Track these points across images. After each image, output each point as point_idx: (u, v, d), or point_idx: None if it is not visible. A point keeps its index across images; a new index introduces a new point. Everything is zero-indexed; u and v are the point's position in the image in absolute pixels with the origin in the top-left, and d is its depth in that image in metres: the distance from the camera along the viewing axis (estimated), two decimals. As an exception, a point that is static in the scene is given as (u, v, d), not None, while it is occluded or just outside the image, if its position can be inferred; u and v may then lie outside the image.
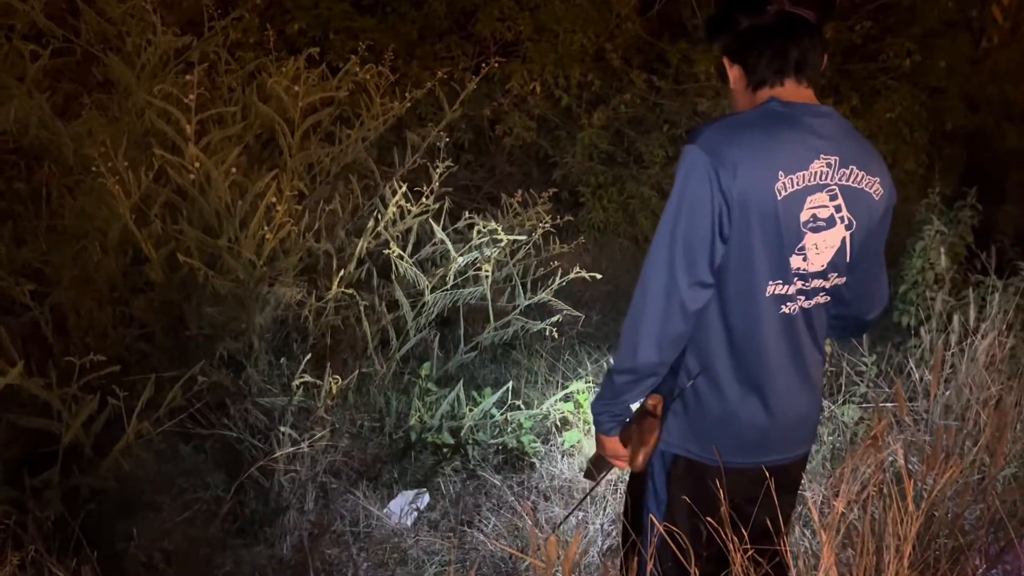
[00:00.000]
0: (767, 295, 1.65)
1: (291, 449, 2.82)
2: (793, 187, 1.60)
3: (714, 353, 1.69)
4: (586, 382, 3.54)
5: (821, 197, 1.63)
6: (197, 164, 2.92)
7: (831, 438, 2.90)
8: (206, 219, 3.12)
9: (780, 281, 1.65)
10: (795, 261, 1.65)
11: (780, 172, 1.59)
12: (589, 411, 1.77)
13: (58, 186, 3.39)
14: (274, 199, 2.85)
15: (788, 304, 1.67)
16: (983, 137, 4.36)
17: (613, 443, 1.75)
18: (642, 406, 1.70)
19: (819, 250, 1.66)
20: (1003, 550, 2.15)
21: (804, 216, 1.62)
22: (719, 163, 1.56)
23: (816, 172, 1.61)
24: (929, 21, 4.34)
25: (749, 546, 1.59)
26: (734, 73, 1.72)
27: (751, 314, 1.66)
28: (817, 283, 1.69)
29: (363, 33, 4.28)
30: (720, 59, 1.79)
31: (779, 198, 1.59)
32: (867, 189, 1.68)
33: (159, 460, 2.94)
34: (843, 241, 1.67)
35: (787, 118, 1.63)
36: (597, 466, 2.06)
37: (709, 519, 1.64)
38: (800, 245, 1.64)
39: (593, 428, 1.79)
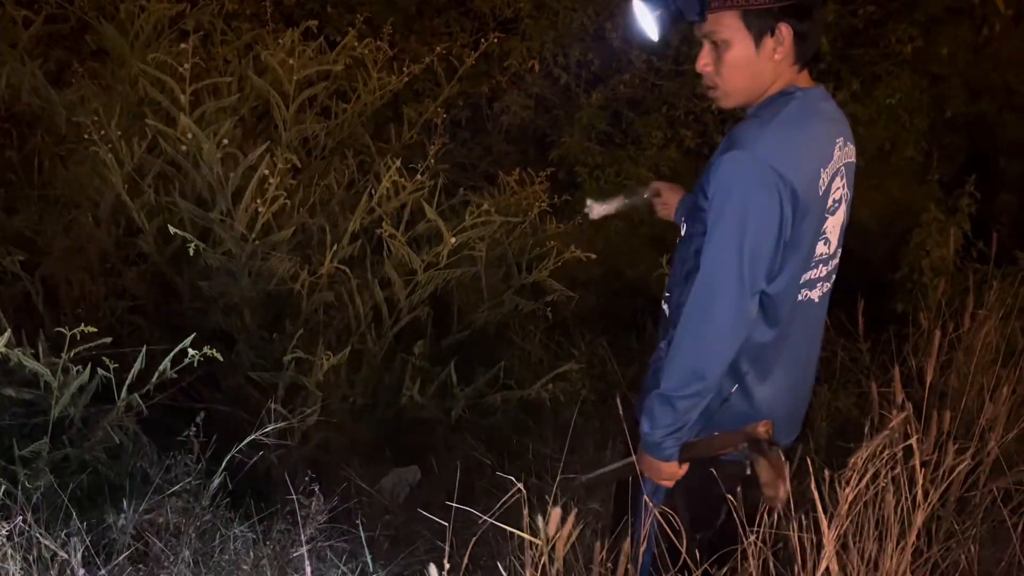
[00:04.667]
0: (798, 285, 1.64)
1: (283, 424, 2.80)
2: (827, 180, 1.58)
3: (745, 358, 1.65)
4: (578, 362, 3.53)
5: (838, 181, 1.62)
6: (190, 135, 2.88)
7: (825, 424, 2.91)
8: (199, 191, 3.09)
9: (805, 272, 1.64)
10: (820, 248, 1.64)
11: (821, 168, 1.56)
12: (648, 443, 1.68)
13: (50, 155, 3.35)
14: (267, 172, 2.81)
15: (806, 292, 1.68)
16: (983, 125, 4.35)
17: (672, 467, 1.67)
18: (747, 434, 1.61)
19: (834, 231, 1.66)
20: (994, 538, 2.16)
21: (829, 203, 1.61)
22: (782, 168, 1.48)
23: (836, 159, 1.60)
24: (932, 7, 4.31)
25: (750, 530, 1.59)
26: (788, 44, 1.54)
27: (786, 312, 1.63)
28: (832, 264, 1.70)
29: (361, 7, 4.23)
30: (754, 22, 1.54)
31: (820, 194, 1.57)
32: (854, 160, 1.69)
33: (149, 433, 2.92)
34: (844, 215, 1.68)
35: (812, 109, 1.59)
36: (601, 481, 2.03)
37: (708, 505, 1.64)
38: (822, 231, 1.63)
39: (641, 453, 1.70)
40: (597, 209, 2.07)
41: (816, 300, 1.69)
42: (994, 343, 2.75)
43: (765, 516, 1.67)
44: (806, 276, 1.64)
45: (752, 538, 1.57)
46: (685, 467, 1.69)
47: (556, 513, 1.58)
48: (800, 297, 1.66)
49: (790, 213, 1.51)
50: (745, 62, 1.57)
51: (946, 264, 3.49)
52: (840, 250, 1.72)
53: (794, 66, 1.59)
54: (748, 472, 1.62)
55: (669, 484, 1.72)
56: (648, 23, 1.63)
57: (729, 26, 1.55)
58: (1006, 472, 2.26)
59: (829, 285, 1.71)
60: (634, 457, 1.73)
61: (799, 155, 1.52)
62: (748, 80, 1.59)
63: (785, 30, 1.54)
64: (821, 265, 1.66)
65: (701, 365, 1.57)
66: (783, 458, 1.58)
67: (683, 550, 1.65)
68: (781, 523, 1.61)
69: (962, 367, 2.68)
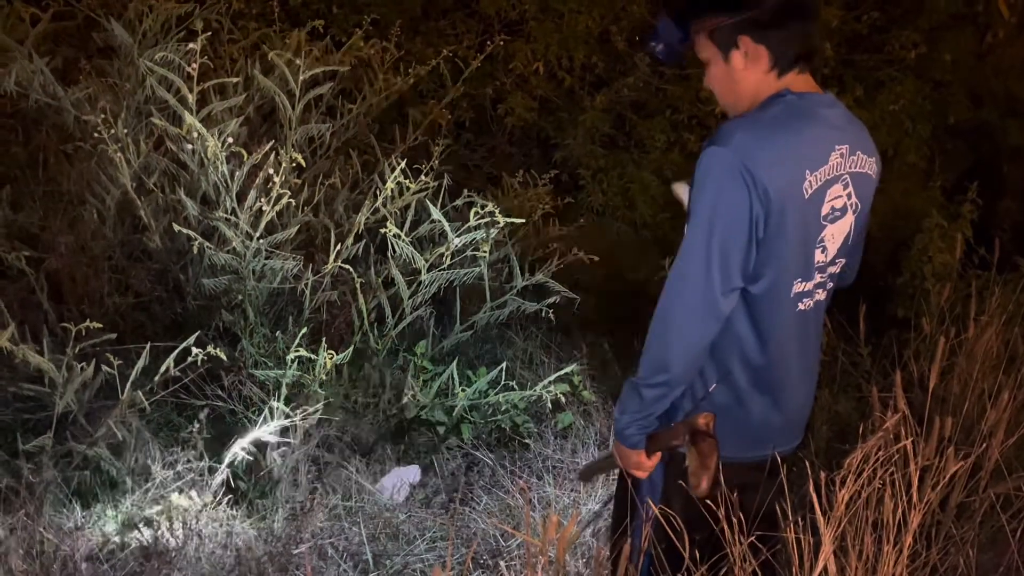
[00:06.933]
0: (791, 295, 1.65)
1: (285, 422, 2.81)
2: (817, 184, 1.58)
3: (733, 358, 1.66)
4: (580, 364, 3.54)
5: (838, 188, 1.62)
6: (196, 134, 2.89)
7: (825, 428, 2.92)
8: (204, 190, 3.10)
9: (801, 279, 1.64)
10: (818, 256, 1.65)
11: (807, 171, 1.57)
12: (615, 425, 1.71)
13: (56, 151, 3.36)
14: (272, 171, 2.83)
15: (805, 300, 1.67)
16: (986, 132, 4.35)
17: (639, 455, 1.70)
18: (690, 425, 1.63)
19: (834, 239, 1.66)
20: (993, 543, 2.17)
21: (824, 210, 1.61)
22: (755, 166, 1.50)
23: (834, 165, 1.60)
24: (936, 14, 4.31)
25: (748, 533, 1.59)
26: (755, 55, 1.60)
27: (775, 316, 1.64)
28: (831, 270, 1.70)
29: (367, 7, 4.24)
30: (719, 39, 1.63)
31: (806, 197, 1.57)
32: (868, 171, 1.69)
33: (152, 429, 2.93)
34: (850, 226, 1.68)
35: (805, 112, 1.60)
36: (593, 469, 2.03)
37: (706, 503, 1.64)
38: (820, 238, 1.63)
39: (613, 440, 1.72)
40: (679, 191, 1.97)
41: (813, 308, 1.70)
42: (995, 349, 2.75)
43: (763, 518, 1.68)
44: (804, 285, 1.65)
45: (744, 542, 1.57)
46: (656, 459, 1.71)
47: (554, 518, 1.59)
48: (801, 307, 1.67)
49: (761, 211, 1.53)
50: (722, 77, 1.66)
51: (949, 270, 3.50)
52: (843, 260, 1.72)
53: (771, 72, 1.62)
54: (685, 464, 1.64)
55: (640, 475, 1.74)
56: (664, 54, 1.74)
57: (704, 47, 1.66)
58: (1006, 477, 2.26)
59: (826, 291, 1.72)
60: None
61: (776, 154, 1.53)
62: (731, 93, 1.67)
63: (746, 41, 1.60)
64: (818, 273, 1.67)
65: (666, 356, 1.60)
66: (715, 452, 1.60)
67: (683, 551, 1.65)
68: (779, 525, 1.62)
69: (963, 373, 2.68)
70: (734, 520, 1.57)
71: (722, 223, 1.53)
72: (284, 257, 3.01)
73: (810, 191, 1.57)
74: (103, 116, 2.86)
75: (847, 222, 1.67)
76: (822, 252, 1.65)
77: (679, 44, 1.71)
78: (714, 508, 1.62)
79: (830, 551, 1.44)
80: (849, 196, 1.65)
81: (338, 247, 3.04)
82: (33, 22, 3.28)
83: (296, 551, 2.60)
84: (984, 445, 2.20)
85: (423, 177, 3.18)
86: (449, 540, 2.68)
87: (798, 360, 1.73)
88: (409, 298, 3.15)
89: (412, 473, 2.98)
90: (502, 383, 3.17)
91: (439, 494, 2.92)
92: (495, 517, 2.79)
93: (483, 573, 2.59)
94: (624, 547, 1.70)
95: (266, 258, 3.01)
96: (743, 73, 1.63)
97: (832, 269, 1.70)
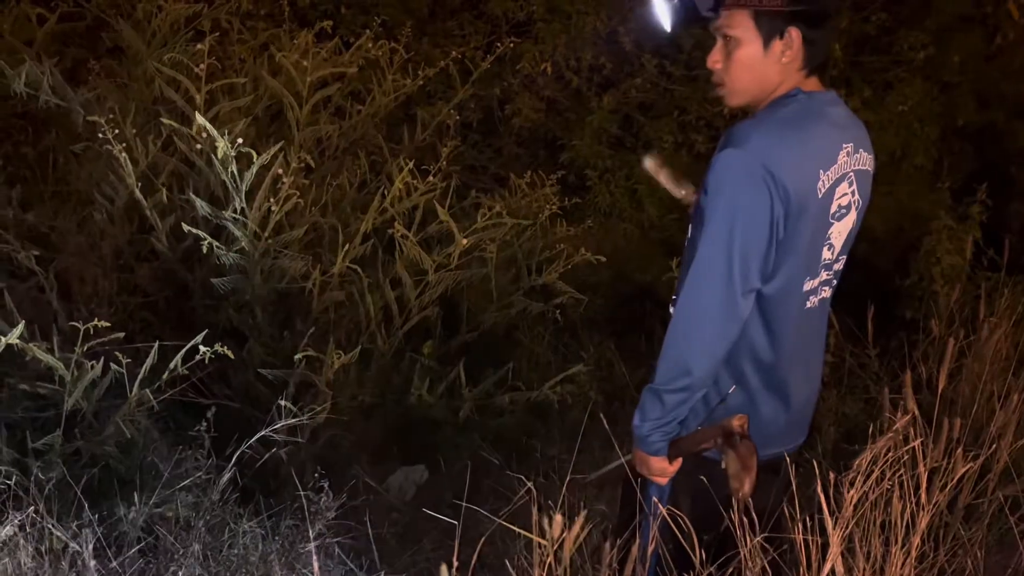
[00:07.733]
0: (800, 293, 1.65)
1: (292, 421, 2.82)
2: (829, 183, 1.59)
3: (745, 359, 1.66)
4: (587, 365, 3.54)
5: (844, 186, 1.63)
6: (205, 134, 2.90)
7: (832, 429, 2.91)
8: (212, 190, 3.11)
9: (809, 277, 1.65)
10: (824, 253, 1.65)
11: (820, 170, 1.57)
12: (637, 433, 1.70)
13: (65, 152, 3.38)
14: (281, 171, 2.83)
15: (811, 298, 1.68)
16: (994, 134, 4.33)
17: (661, 462, 1.69)
18: (724, 428, 1.62)
19: (840, 236, 1.67)
20: (1001, 544, 2.16)
21: (833, 208, 1.62)
22: (774, 167, 1.49)
23: (841, 164, 1.61)
24: (944, 15, 4.31)
25: (757, 534, 1.59)
26: (796, 49, 1.57)
27: (786, 315, 1.64)
28: (836, 267, 1.71)
29: (375, 8, 4.26)
30: (764, 23, 1.56)
31: (819, 196, 1.57)
32: (868, 168, 1.70)
33: (160, 428, 2.94)
34: (852, 223, 1.69)
35: (815, 112, 1.60)
36: (607, 477, 2.03)
37: (713, 504, 1.64)
38: (827, 236, 1.63)
39: (636, 447, 1.71)
40: (651, 165, 1.98)
41: (819, 305, 1.71)
42: (1005, 351, 2.75)
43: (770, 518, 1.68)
44: (812, 283, 1.65)
45: (754, 539, 1.57)
46: (677, 464, 1.70)
47: (559, 519, 1.59)
48: (808, 304, 1.67)
49: (782, 211, 1.52)
50: (753, 62, 1.60)
51: (958, 272, 3.49)
52: (844, 256, 1.72)
53: (801, 71, 1.61)
54: (723, 466, 1.63)
55: (661, 480, 1.73)
56: (663, 13, 1.67)
57: (740, 24, 1.59)
58: (1015, 479, 2.26)
59: (831, 289, 1.73)
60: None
61: (794, 155, 1.53)
62: (754, 80, 1.62)
63: (795, 34, 1.57)
64: (824, 270, 1.67)
65: (688, 360, 1.58)
66: (755, 453, 1.59)
67: (690, 551, 1.65)
68: (786, 525, 1.62)
69: (972, 375, 2.68)
70: (742, 520, 1.57)
71: (742, 225, 1.52)
72: (292, 257, 3.02)
73: (823, 190, 1.58)
74: (111, 116, 2.87)
75: (851, 219, 1.67)
76: (828, 250, 1.65)
77: (705, 9, 1.62)
78: (722, 508, 1.62)
79: (838, 552, 1.44)
80: (853, 193, 1.65)
81: (346, 247, 3.04)
82: (40, 22, 3.29)
83: (303, 550, 2.60)
84: (993, 447, 2.20)
85: (431, 178, 3.18)
86: (455, 540, 2.68)
87: (804, 357, 1.73)
88: (416, 298, 3.15)
89: (419, 472, 2.98)
90: (509, 383, 3.17)
91: (445, 493, 2.93)
92: (502, 517, 2.79)
93: (489, 573, 2.59)
94: (632, 547, 1.70)
95: (274, 258, 3.01)
96: (777, 65, 1.59)
97: (837, 266, 1.71)
